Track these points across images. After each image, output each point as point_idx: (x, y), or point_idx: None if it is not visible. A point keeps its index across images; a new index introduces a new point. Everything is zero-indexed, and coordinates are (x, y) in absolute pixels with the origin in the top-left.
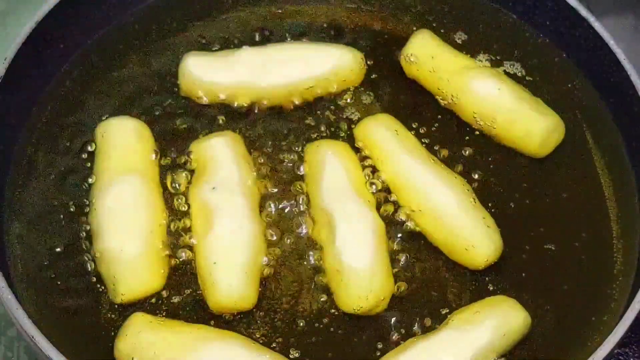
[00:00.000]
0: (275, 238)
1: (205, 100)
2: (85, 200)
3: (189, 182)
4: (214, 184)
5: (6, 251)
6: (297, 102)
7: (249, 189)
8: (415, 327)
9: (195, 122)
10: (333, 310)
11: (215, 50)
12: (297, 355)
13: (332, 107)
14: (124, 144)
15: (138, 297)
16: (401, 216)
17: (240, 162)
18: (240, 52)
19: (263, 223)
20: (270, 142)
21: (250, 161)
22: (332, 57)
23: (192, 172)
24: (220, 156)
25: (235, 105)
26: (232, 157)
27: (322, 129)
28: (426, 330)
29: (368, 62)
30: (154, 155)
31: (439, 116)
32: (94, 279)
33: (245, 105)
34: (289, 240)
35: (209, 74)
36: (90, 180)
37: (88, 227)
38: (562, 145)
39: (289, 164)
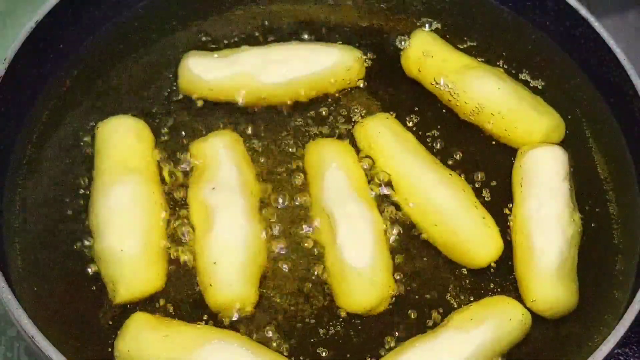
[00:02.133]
0: (275, 238)
1: (204, 100)
2: (85, 200)
3: (189, 182)
4: (213, 184)
5: (6, 251)
6: (297, 102)
7: (248, 189)
8: (416, 327)
9: (195, 122)
10: (333, 310)
11: (215, 49)
12: (297, 355)
13: (332, 106)
14: (123, 144)
15: (138, 297)
16: (401, 216)
17: (240, 162)
18: (239, 51)
19: (263, 223)
20: (270, 142)
21: (250, 161)
22: (331, 56)
23: (192, 171)
24: (220, 156)
25: (235, 105)
26: (232, 157)
27: (322, 128)
28: (426, 330)
29: (368, 61)
30: (153, 155)
31: (439, 116)
32: (94, 279)
33: (245, 105)
34: (289, 240)
35: (208, 73)
36: (90, 179)
37: (88, 227)
38: (562, 144)
39: (289, 164)
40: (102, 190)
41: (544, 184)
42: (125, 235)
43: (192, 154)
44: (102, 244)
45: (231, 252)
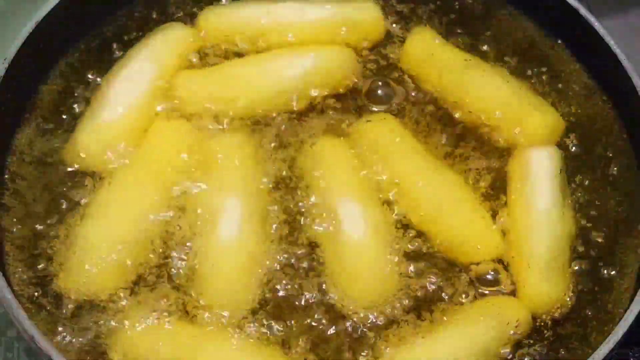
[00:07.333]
0: (276, 237)
1: (206, 116)
2: (84, 199)
3: (197, 180)
4: (219, 184)
5: (6, 251)
6: (296, 105)
7: (253, 192)
8: (416, 326)
9: (196, 121)
10: (334, 309)
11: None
12: (297, 355)
13: (331, 106)
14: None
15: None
16: (401, 215)
17: (248, 164)
18: (232, 65)
19: (265, 225)
20: (270, 145)
21: (258, 165)
22: (325, 57)
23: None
24: (230, 156)
25: (234, 115)
26: (241, 159)
27: (323, 128)
28: (426, 329)
29: (367, 60)
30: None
31: (439, 115)
32: None
33: (245, 116)
34: (290, 240)
35: (205, 93)
36: (91, 178)
37: None
38: (563, 143)
39: (290, 165)
40: (114, 182)
41: (532, 183)
42: (97, 229)
43: (202, 151)
44: (80, 225)
45: (230, 256)
